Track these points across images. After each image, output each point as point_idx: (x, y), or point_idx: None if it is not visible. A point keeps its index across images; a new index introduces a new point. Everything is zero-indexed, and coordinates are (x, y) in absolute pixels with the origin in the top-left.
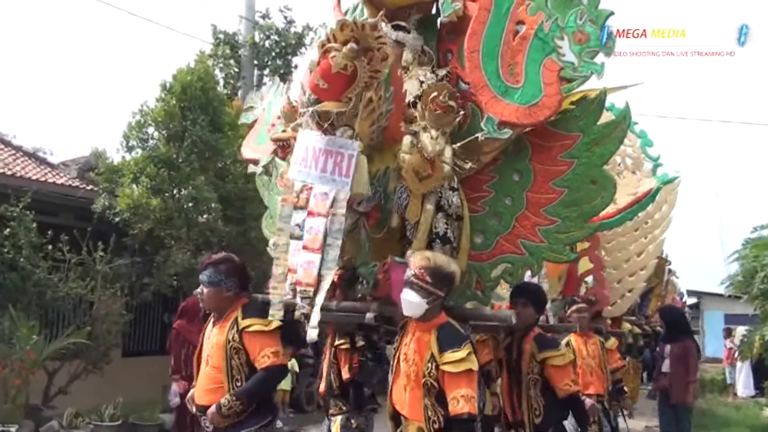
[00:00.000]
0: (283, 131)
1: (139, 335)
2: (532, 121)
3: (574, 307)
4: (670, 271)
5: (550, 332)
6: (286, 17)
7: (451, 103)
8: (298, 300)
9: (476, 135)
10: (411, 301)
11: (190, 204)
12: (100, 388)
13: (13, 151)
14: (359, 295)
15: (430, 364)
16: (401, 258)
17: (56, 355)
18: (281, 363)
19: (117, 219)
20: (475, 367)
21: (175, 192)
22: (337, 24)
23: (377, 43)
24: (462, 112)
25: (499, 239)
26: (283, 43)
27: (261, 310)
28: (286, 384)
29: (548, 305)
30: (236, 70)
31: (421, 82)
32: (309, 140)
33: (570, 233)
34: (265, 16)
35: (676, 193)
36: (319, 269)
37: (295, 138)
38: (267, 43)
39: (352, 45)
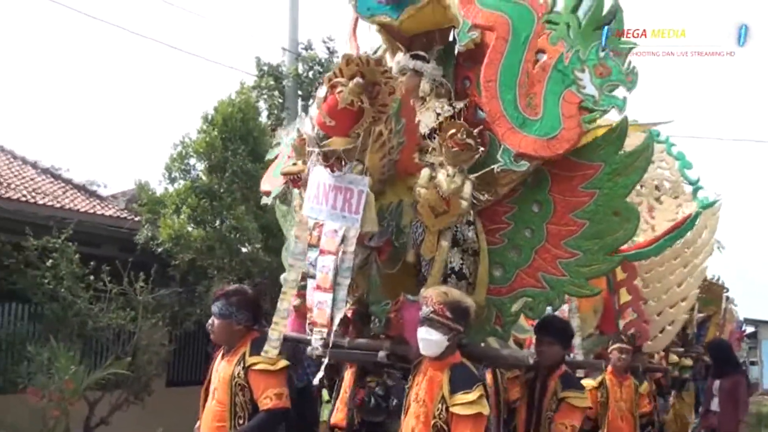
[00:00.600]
0: (294, 164)
1: (182, 365)
2: (550, 154)
3: (616, 346)
4: (727, 298)
5: (577, 369)
6: (328, 48)
7: (469, 141)
8: (312, 339)
9: (492, 167)
10: (430, 339)
11: (232, 234)
12: (142, 418)
13: (63, 184)
14: (372, 333)
15: (440, 405)
16: (414, 296)
17: (97, 386)
18: (283, 406)
19: (159, 249)
20: (486, 411)
21: (216, 222)
22: (342, 59)
23: (384, 78)
24: (481, 149)
25: (519, 272)
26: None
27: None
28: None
29: (578, 341)
30: (280, 100)
31: (438, 114)
32: (320, 177)
33: (592, 266)
34: (307, 48)
35: (717, 217)
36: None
37: (305, 172)
38: (310, 74)
39: (357, 80)
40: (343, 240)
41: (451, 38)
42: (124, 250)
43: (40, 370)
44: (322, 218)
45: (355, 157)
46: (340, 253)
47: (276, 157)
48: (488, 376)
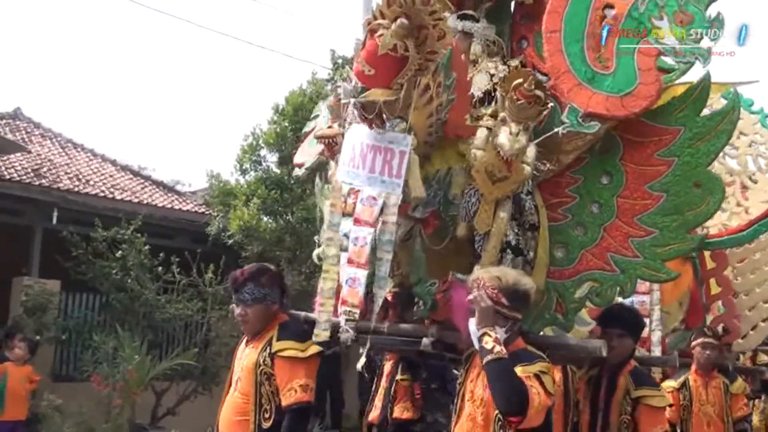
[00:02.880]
0: (329, 127)
1: None
2: (625, 113)
3: (699, 340)
4: None
5: (647, 365)
6: None
7: (538, 92)
8: (342, 322)
9: (556, 129)
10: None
11: (302, 225)
12: (210, 408)
13: (142, 180)
14: (416, 318)
15: None
16: (466, 275)
17: (164, 376)
18: (308, 400)
19: (230, 241)
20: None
21: (286, 213)
22: None
23: (432, 20)
24: (550, 105)
25: (585, 253)
26: None
27: (299, 332)
28: None
29: (657, 336)
30: None
31: (491, 75)
32: (357, 136)
33: (670, 246)
34: None
35: None
36: (366, 287)
37: (341, 135)
38: None
39: (402, 21)
40: (383, 208)
41: None
42: (196, 242)
43: (106, 359)
44: (359, 183)
45: (397, 112)
46: (379, 224)
47: (312, 130)
48: (557, 375)
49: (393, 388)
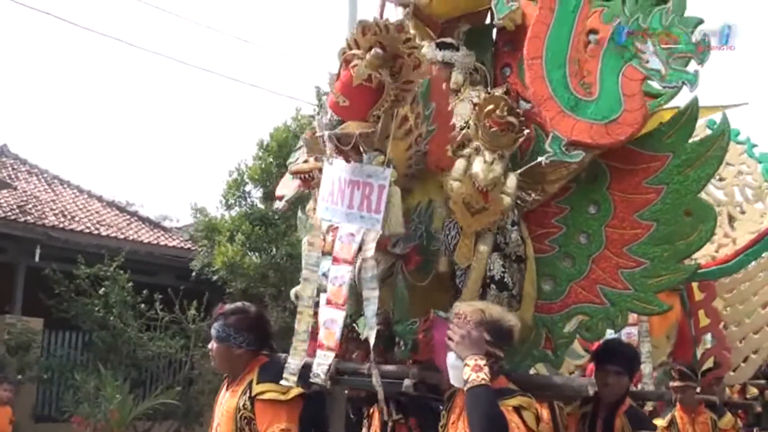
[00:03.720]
0: (305, 161)
1: None
2: (610, 140)
3: (671, 383)
4: None
5: (640, 400)
6: None
7: (511, 119)
8: (314, 365)
9: (539, 159)
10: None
11: (286, 261)
12: None
13: (128, 216)
14: (397, 358)
15: None
16: (448, 312)
17: (147, 416)
18: None
19: (215, 277)
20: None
21: (271, 249)
22: (358, 27)
23: (407, 48)
24: (526, 131)
25: (573, 285)
26: None
27: (280, 374)
28: None
29: (648, 369)
30: None
31: (475, 104)
32: (335, 171)
33: (661, 277)
34: None
35: None
36: (343, 329)
37: (318, 169)
38: None
39: (376, 51)
40: (362, 244)
41: (488, 20)
42: (180, 278)
43: (87, 398)
44: (337, 220)
45: (374, 145)
46: (358, 262)
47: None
48: (545, 412)
49: (391, 430)
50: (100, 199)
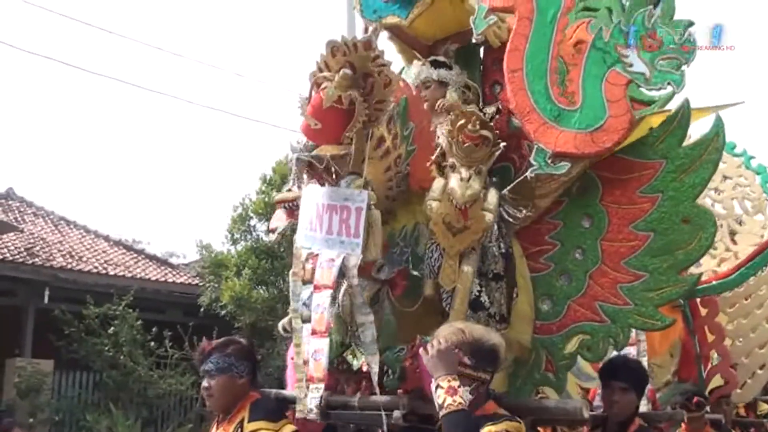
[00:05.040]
0: (288, 190)
1: None
2: (596, 149)
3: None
4: None
5: (653, 422)
6: None
7: (484, 132)
8: (308, 399)
9: (525, 174)
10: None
11: None
12: None
13: (135, 255)
14: (387, 389)
15: None
16: None
17: None
18: None
19: (223, 312)
20: None
21: (277, 282)
22: (327, 47)
23: (376, 66)
24: (502, 145)
25: (571, 304)
26: None
27: (271, 411)
28: None
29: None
30: None
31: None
32: (313, 197)
33: (662, 290)
34: None
35: None
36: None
37: (300, 198)
38: None
39: (344, 71)
40: (343, 271)
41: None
42: (188, 315)
43: None
44: (317, 247)
45: (349, 167)
46: (343, 287)
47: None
48: None
49: None
50: (106, 238)
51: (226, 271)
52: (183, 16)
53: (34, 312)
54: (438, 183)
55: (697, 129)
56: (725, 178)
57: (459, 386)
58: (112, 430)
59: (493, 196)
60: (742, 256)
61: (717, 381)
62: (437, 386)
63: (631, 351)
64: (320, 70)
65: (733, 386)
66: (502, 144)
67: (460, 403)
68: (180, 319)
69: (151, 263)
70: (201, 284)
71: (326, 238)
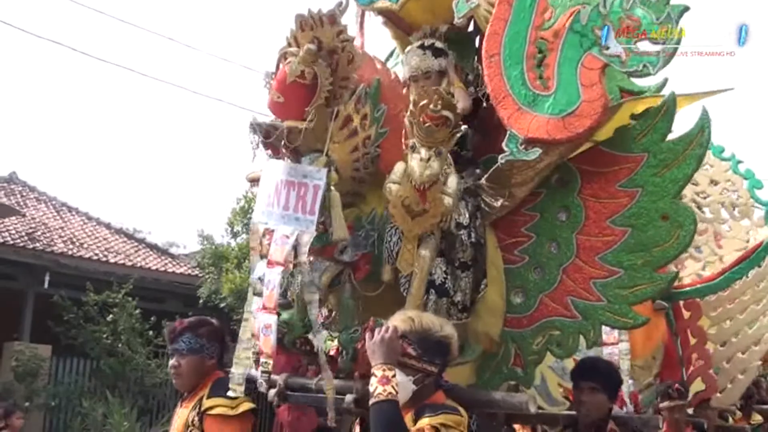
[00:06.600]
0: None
1: None
2: (568, 134)
3: (666, 404)
4: None
5: (626, 426)
6: None
7: (446, 113)
8: (257, 374)
9: (498, 164)
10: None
11: None
12: None
13: (136, 243)
14: (341, 371)
15: None
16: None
17: None
18: None
19: (222, 304)
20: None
21: None
22: (296, 21)
23: (339, 42)
24: (464, 127)
25: (543, 298)
26: None
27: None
28: None
29: (625, 389)
30: None
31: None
32: (272, 172)
33: (636, 287)
34: None
35: None
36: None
37: None
38: None
39: (309, 46)
40: (296, 247)
41: (471, 27)
42: (187, 305)
43: (95, 426)
44: (273, 222)
45: (309, 143)
46: (291, 265)
47: None
48: None
49: None
50: (108, 226)
51: (226, 263)
52: (192, 6)
53: (33, 296)
54: (399, 166)
55: (684, 117)
56: (713, 182)
57: (393, 376)
58: (108, 417)
59: (452, 180)
60: (728, 260)
61: (699, 385)
62: (372, 374)
63: (614, 351)
64: (289, 45)
65: (713, 390)
66: (463, 127)
67: (390, 393)
68: (179, 310)
69: (151, 252)
70: (201, 275)
71: (283, 214)
